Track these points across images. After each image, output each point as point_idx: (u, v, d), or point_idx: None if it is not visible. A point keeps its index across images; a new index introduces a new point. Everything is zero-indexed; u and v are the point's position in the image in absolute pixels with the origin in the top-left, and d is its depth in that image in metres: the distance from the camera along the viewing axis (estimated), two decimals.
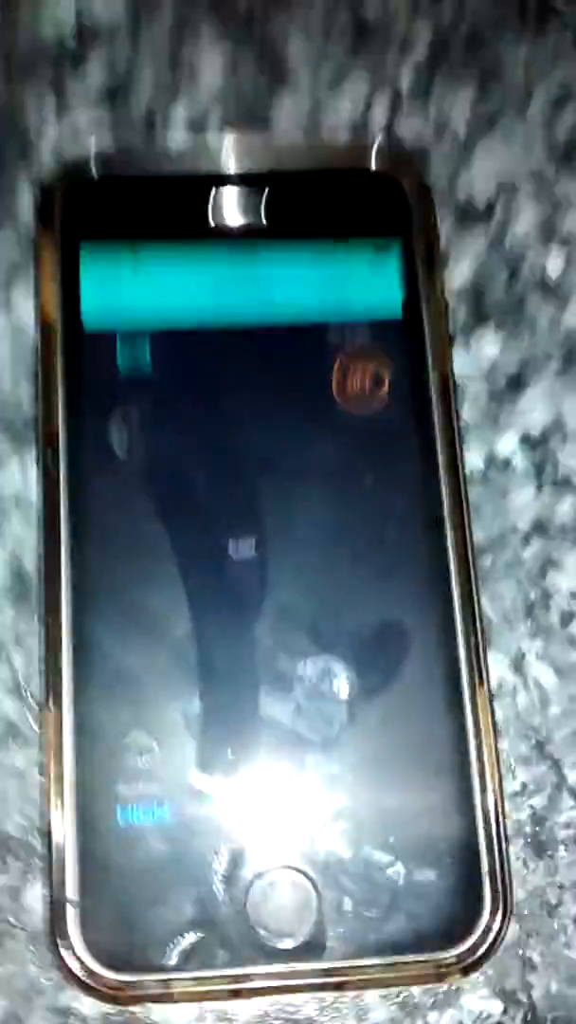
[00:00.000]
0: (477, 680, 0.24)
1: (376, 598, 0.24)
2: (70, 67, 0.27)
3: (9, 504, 0.25)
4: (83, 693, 0.23)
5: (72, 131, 0.27)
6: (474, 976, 0.23)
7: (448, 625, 0.24)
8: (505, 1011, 0.24)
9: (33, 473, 0.25)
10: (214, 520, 0.24)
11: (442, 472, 0.25)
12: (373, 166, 0.27)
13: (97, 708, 0.23)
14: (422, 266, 0.26)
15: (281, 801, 0.23)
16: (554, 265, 0.27)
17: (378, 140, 0.27)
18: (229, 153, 0.26)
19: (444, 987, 0.24)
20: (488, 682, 0.24)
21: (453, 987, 0.24)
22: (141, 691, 0.23)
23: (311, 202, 0.26)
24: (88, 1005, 0.23)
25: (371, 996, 0.24)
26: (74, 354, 0.25)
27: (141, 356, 0.25)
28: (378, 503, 0.25)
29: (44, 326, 0.25)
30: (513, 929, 0.23)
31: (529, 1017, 0.24)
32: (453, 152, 0.27)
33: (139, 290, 0.25)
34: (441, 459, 0.25)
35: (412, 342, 0.26)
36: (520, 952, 0.24)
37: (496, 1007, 0.24)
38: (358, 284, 0.26)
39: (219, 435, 0.25)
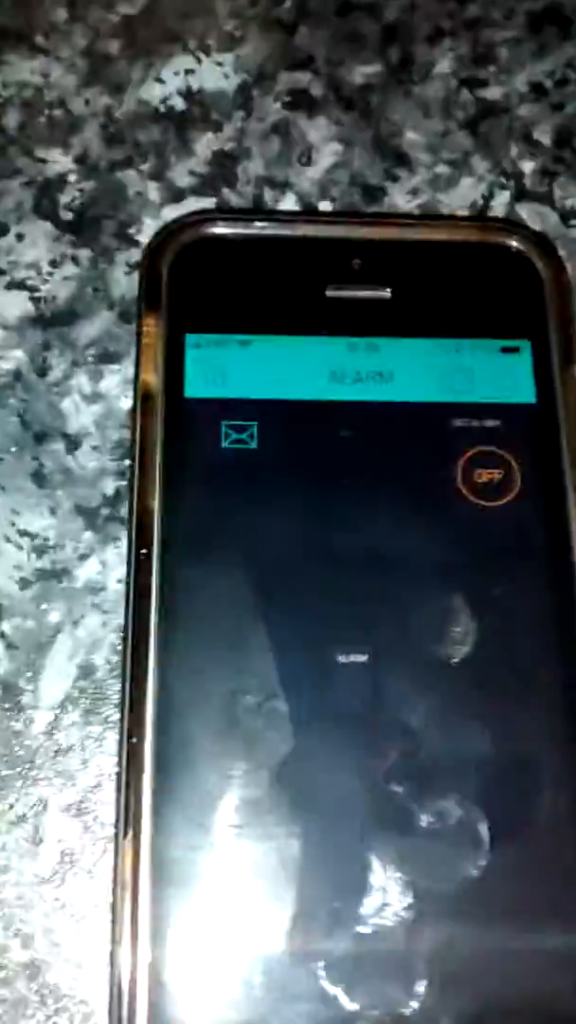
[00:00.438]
0: None
1: (503, 725, 0.22)
2: (177, 142, 0.27)
3: (83, 596, 0.23)
4: (163, 821, 0.20)
5: (175, 210, 0.26)
6: None
7: None
8: None
9: (110, 562, 0.24)
10: (322, 624, 0.22)
11: None
12: (509, 244, 0.25)
13: (179, 841, 0.20)
14: (558, 358, 0.24)
15: (391, 969, 0.20)
16: None
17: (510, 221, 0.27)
18: (348, 229, 0.26)
19: None
20: None
21: None
22: (232, 825, 0.21)
23: (438, 284, 0.25)
24: None
25: None
26: (175, 432, 0.23)
27: (247, 441, 0.23)
28: (505, 612, 0.22)
29: (144, 402, 0.24)
30: None
31: None
32: None
33: (247, 377, 0.24)
34: None
35: (546, 435, 0.24)
36: None
37: None
38: (488, 375, 0.24)
39: (331, 528, 0.23)
